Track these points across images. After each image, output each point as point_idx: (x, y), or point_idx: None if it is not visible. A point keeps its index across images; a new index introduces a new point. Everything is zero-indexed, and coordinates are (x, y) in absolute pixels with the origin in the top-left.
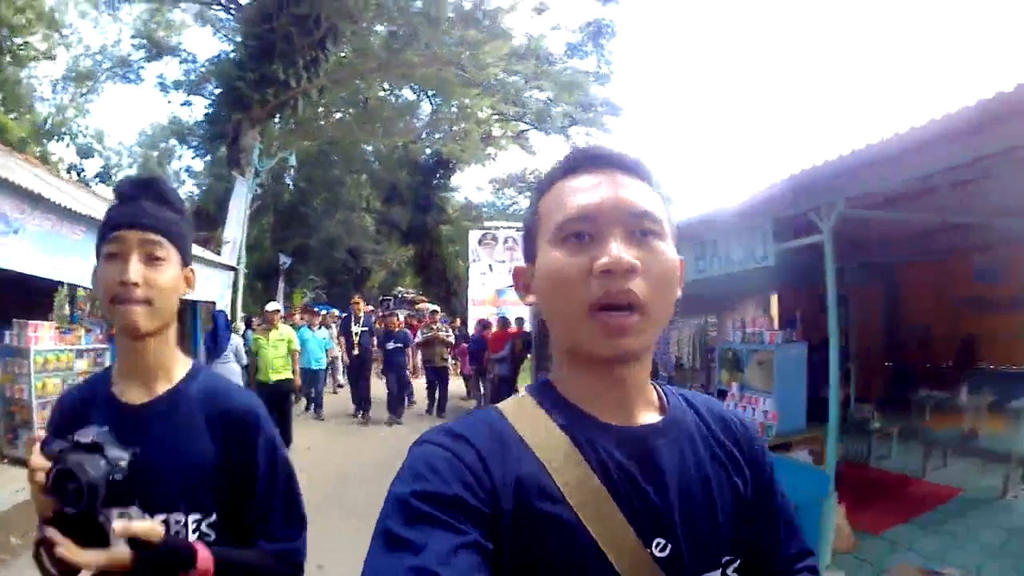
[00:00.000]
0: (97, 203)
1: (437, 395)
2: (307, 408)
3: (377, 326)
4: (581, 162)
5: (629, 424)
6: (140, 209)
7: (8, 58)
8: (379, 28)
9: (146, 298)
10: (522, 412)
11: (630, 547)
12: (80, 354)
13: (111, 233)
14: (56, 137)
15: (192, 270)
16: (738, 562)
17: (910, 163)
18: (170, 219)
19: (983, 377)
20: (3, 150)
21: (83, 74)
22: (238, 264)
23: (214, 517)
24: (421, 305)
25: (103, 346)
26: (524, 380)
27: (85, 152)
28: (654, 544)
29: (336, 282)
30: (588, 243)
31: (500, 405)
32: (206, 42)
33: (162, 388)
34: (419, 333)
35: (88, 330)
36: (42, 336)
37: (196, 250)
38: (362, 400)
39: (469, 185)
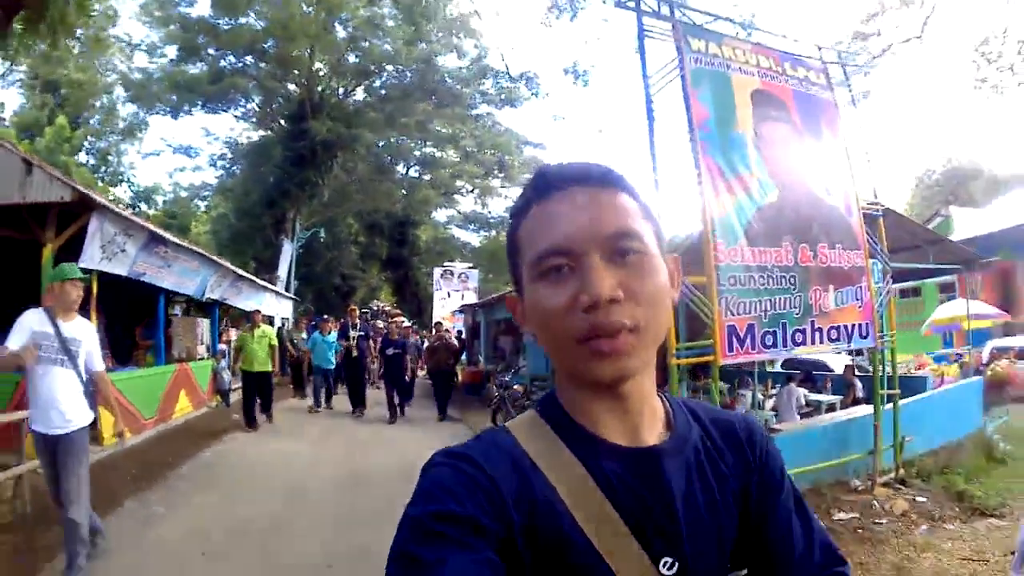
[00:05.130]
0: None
1: (440, 400)
2: (317, 405)
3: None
4: (553, 182)
5: (636, 443)
6: None
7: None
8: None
9: None
10: (531, 431)
11: (639, 566)
12: None
13: None
14: (116, 182)
15: None
16: (744, 572)
17: None
18: None
19: None
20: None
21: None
22: (291, 294)
23: None
24: (398, 318)
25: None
26: (461, 367)
27: (144, 197)
28: (662, 563)
29: (324, 298)
30: (568, 274)
31: (509, 424)
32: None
33: None
34: (426, 341)
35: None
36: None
37: (268, 285)
38: (360, 399)
39: (438, 219)
